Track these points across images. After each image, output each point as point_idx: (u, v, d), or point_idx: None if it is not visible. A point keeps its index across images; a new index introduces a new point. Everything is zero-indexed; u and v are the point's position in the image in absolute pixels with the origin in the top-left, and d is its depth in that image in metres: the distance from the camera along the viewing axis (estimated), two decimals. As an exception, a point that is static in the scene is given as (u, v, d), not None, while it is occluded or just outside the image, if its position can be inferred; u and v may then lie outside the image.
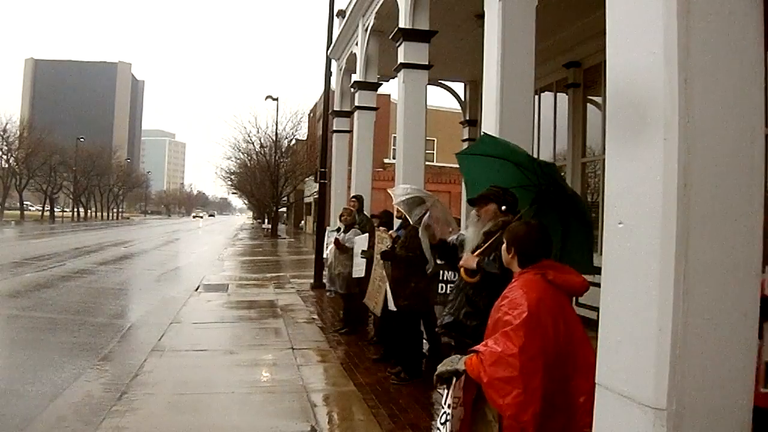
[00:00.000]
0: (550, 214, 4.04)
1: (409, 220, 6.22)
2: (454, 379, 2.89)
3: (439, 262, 5.85)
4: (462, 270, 3.94)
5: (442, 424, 2.93)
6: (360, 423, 5.24)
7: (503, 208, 4.01)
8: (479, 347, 2.77)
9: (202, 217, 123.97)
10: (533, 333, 2.68)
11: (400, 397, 5.83)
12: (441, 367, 2.92)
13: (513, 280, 3.06)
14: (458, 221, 6.33)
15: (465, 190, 4.63)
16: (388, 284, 6.49)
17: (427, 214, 5.16)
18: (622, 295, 2.55)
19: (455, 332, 4.07)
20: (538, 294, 2.82)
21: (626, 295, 2.52)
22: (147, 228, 56.25)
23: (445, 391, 2.96)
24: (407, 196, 6.40)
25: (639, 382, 2.41)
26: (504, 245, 3.14)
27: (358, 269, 8.08)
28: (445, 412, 2.92)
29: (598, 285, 2.79)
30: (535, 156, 4.79)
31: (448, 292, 6.12)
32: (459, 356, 2.93)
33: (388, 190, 6.98)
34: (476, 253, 3.88)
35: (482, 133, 4.54)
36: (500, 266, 3.55)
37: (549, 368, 2.70)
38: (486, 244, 3.92)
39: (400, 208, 6.34)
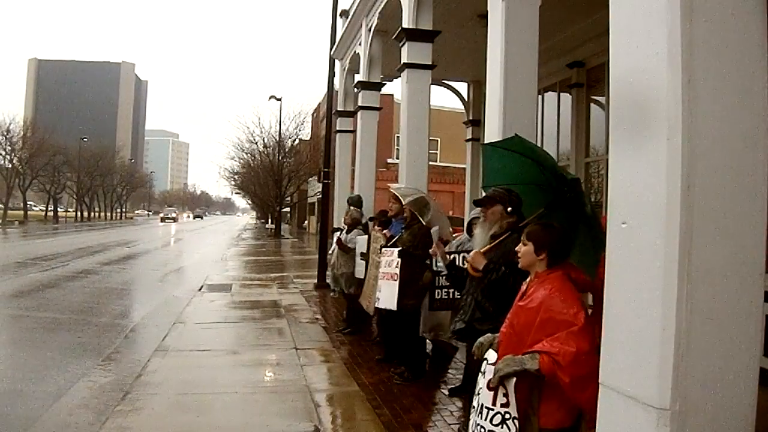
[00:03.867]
0: (560, 217, 4.07)
1: (422, 220, 6.24)
2: (514, 379, 2.90)
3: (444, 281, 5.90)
4: (469, 266, 4.03)
5: (497, 424, 2.91)
6: (363, 423, 5.24)
7: (509, 209, 4.10)
8: (545, 348, 2.81)
9: (175, 219, 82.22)
10: (592, 330, 2.83)
11: (404, 397, 5.83)
12: (506, 368, 2.90)
13: (539, 279, 3.10)
14: (461, 220, 6.35)
15: (482, 179, 4.65)
16: (393, 283, 6.45)
17: (435, 229, 5.32)
18: (626, 294, 2.55)
19: (469, 338, 4.12)
20: (577, 293, 2.98)
21: (630, 294, 2.53)
22: (150, 228, 56.33)
23: (493, 391, 2.96)
24: (415, 196, 6.44)
25: (642, 382, 2.41)
26: (529, 248, 3.17)
27: (359, 270, 8.11)
28: (498, 413, 2.92)
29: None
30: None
31: (444, 297, 6.13)
32: (519, 356, 2.91)
33: (390, 186, 7.01)
34: (484, 250, 4.03)
35: (514, 135, 4.57)
36: (508, 271, 3.74)
37: None
38: (492, 244, 4.01)
39: (411, 208, 6.36)
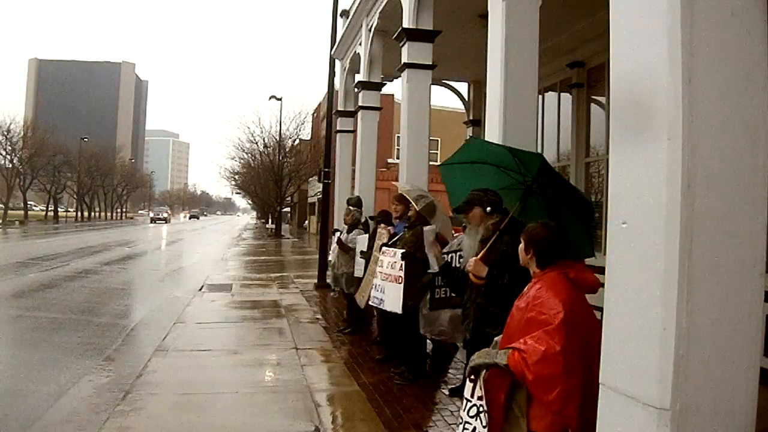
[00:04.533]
0: (537, 207, 4.14)
1: (429, 222, 6.24)
2: (484, 372, 2.92)
3: (442, 284, 5.92)
4: (471, 276, 4.03)
5: (472, 416, 2.95)
6: (363, 423, 5.23)
7: (488, 209, 4.13)
8: (519, 345, 2.82)
9: (166, 220, 74.06)
10: (570, 332, 2.80)
11: (404, 397, 5.83)
12: (478, 359, 2.94)
13: (535, 279, 3.14)
14: (461, 220, 6.34)
15: (449, 201, 4.71)
16: (398, 286, 6.44)
17: (430, 228, 5.37)
18: (626, 294, 2.55)
19: (482, 346, 4.12)
20: (568, 294, 2.94)
21: (630, 294, 2.52)
22: (150, 228, 56.32)
23: (473, 383, 2.99)
24: (425, 201, 6.44)
25: (643, 382, 2.41)
26: (522, 246, 3.20)
27: (359, 269, 8.13)
28: (475, 405, 2.96)
29: (602, 285, 2.80)
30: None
31: (443, 296, 6.13)
32: (495, 350, 2.94)
33: (398, 186, 7.01)
34: (479, 257, 4.04)
35: (468, 137, 4.66)
36: (508, 273, 3.76)
37: (583, 362, 2.82)
38: (485, 250, 4.04)
39: (420, 211, 6.36)
